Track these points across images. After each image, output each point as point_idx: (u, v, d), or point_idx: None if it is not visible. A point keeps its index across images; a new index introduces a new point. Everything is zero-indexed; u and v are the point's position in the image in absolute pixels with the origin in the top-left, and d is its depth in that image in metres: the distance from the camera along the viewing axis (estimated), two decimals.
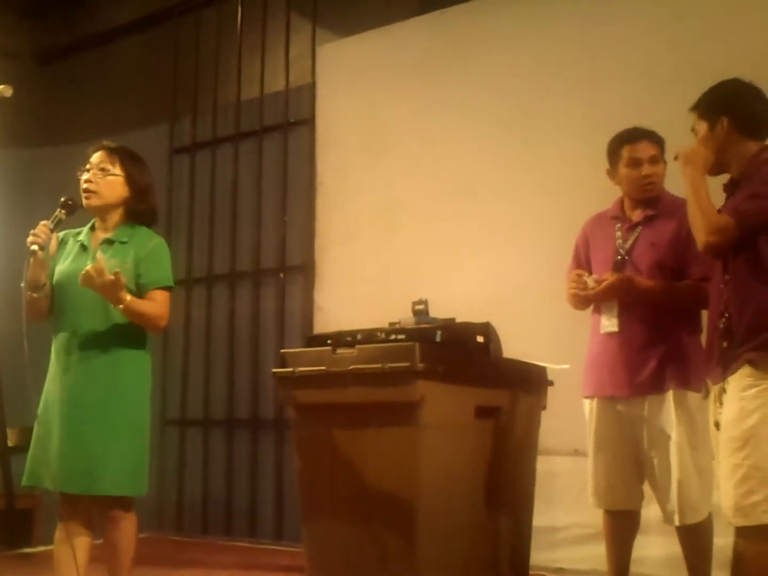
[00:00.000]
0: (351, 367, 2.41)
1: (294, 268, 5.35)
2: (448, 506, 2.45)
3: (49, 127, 6.48)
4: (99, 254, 2.63)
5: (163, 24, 6.20)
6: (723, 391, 2.44)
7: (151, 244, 2.81)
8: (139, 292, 2.74)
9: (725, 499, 2.34)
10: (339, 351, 2.48)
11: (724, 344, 2.45)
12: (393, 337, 2.47)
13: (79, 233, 2.87)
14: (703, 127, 2.57)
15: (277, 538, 5.04)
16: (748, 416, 2.31)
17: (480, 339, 2.67)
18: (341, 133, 5.17)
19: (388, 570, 2.37)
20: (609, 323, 2.98)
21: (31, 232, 2.63)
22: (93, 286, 2.58)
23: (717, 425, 2.46)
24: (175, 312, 6.08)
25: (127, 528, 2.73)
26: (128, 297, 2.62)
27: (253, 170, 5.59)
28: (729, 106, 2.55)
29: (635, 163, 3.03)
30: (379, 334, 2.50)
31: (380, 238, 4.88)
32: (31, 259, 2.63)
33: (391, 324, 2.63)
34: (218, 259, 5.68)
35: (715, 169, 2.57)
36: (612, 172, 3.10)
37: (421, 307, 2.66)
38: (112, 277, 2.55)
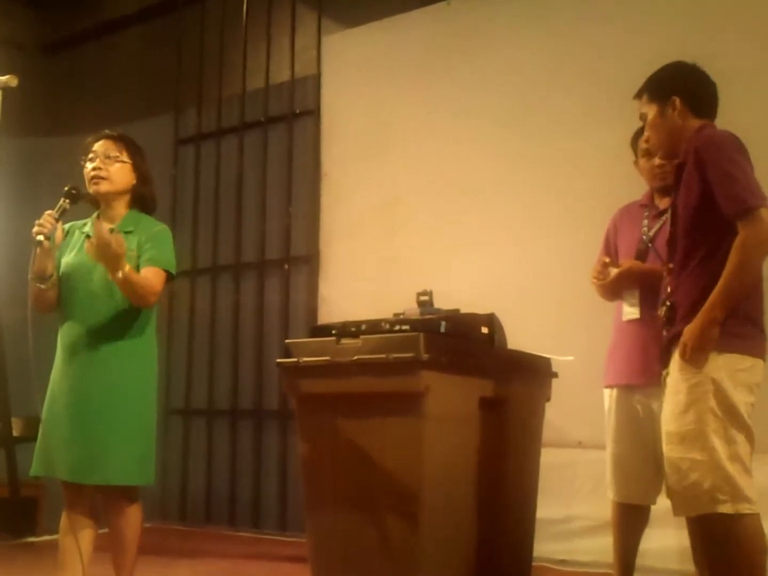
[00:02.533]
0: (355, 357, 2.41)
1: (298, 259, 5.35)
2: (451, 496, 2.45)
3: (53, 117, 6.48)
4: (104, 223, 2.59)
5: (168, 14, 6.20)
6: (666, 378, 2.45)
7: (154, 230, 2.81)
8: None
9: (670, 490, 2.35)
10: (343, 341, 2.48)
11: (664, 333, 2.45)
12: (397, 327, 2.46)
13: (84, 225, 2.87)
14: (652, 110, 2.51)
15: (281, 528, 5.06)
16: (683, 412, 2.31)
17: (484, 330, 2.67)
18: (346, 124, 5.16)
19: (390, 560, 2.37)
20: (631, 310, 2.95)
21: (36, 222, 2.62)
22: (99, 250, 2.53)
23: None
24: (180, 302, 6.12)
25: (133, 517, 2.74)
26: (128, 266, 2.59)
27: (257, 161, 5.59)
28: (680, 86, 2.50)
29: (650, 153, 3.01)
30: (383, 324, 2.50)
31: (385, 229, 4.87)
32: (37, 249, 2.63)
33: (395, 315, 2.63)
34: (223, 249, 5.69)
35: (669, 154, 2.54)
36: (636, 163, 3.09)
37: (425, 298, 2.66)
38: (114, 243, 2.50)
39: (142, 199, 2.87)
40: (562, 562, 3.95)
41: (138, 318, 2.74)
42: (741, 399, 2.30)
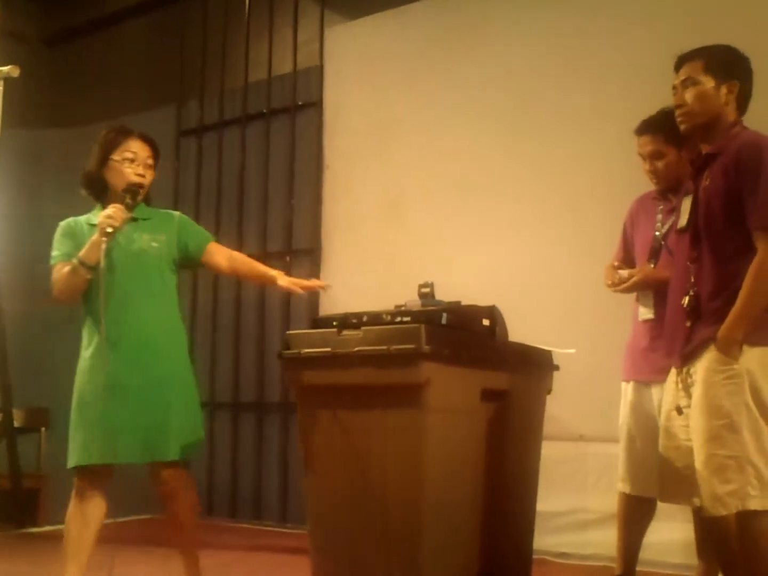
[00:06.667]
0: (356, 348, 2.40)
1: (300, 252, 5.35)
2: (453, 488, 2.45)
3: (56, 108, 6.48)
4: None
5: (171, 6, 6.19)
6: (688, 374, 2.43)
7: (176, 216, 2.98)
8: (195, 255, 2.96)
9: (702, 488, 2.33)
10: (344, 333, 2.47)
11: (688, 324, 2.42)
12: (399, 319, 2.45)
13: (88, 219, 2.88)
14: (708, 81, 2.44)
15: (282, 520, 5.07)
16: (719, 405, 2.30)
17: (486, 322, 2.66)
18: (349, 116, 5.15)
19: (391, 552, 2.37)
20: (645, 310, 3.00)
21: (106, 214, 2.67)
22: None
23: (678, 410, 2.44)
24: (182, 295, 6.11)
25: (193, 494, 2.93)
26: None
27: (260, 153, 5.58)
28: (742, 74, 2.47)
29: (641, 157, 3.02)
30: (384, 316, 2.48)
31: (387, 222, 4.87)
32: (99, 239, 2.67)
33: (396, 307, 2.62)
34: (225, 242, 5.59)
35: (697, 127, 2.48)
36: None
37: (426, 290, 2.65)
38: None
39: (147, 193, 2.97)
40: (563, 555, 3.95)
41: (174, 294, 2.91)
42: None
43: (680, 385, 2.46)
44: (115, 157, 2.82)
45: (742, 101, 2.48)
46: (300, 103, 5.47)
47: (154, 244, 2.83)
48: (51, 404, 5.10)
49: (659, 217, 3.01)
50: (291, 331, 2.65)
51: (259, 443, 5.33)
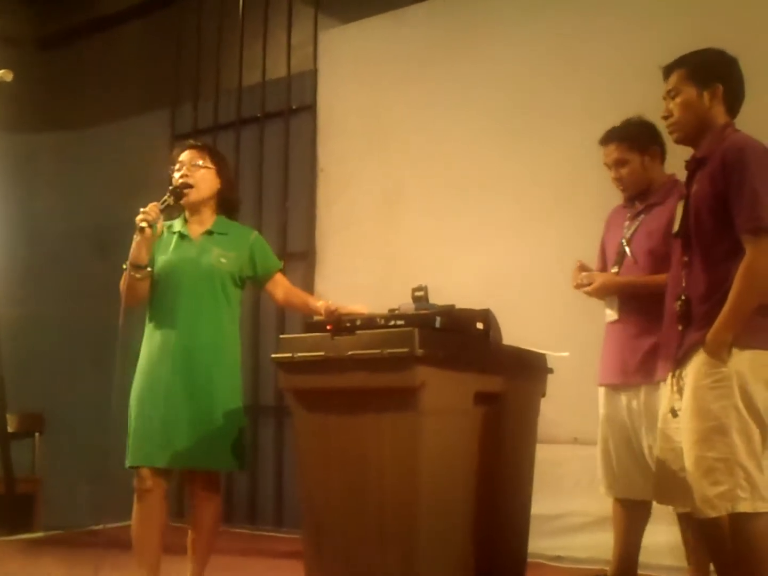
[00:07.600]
0: (350, 352, 2.40)
1: (295, 255, 5.34)
2: (447, 492, 2.45)
3: (50, 112, 6.47)
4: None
5: (165, 9, 6.19)
6: (680, 377, 2.43)
7: (252, 236, 3.03)
8: (261, 279, 3.02)
9: (692, 490, 2.33)
10: (338, 336, 2.47)
11: (680, 328, 2.43)
12: (392, 322, 2.45)
13: (170, 226, 2.96)
14: (689, 89, 2.46)
15: (277, 524, 5.06)
16: (707, 408, 2.30)
17: (480, 325, 2.66)
18: (343, 120, 5.15)
19: (386, 556, 2.37)
20: (610, 312, 3.03)
21: (141, 210, 2.70)
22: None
23: (673, 412, 2.45)
24: None
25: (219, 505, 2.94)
26: None
27: (254, 157, 5.58)
28: (725, 75, 2.46)
29: (607, 166, 3.08)
30: (378, 319, 2.49)
31: (382, 225, 4.87)
32: (138, 237, 2.71)
33: (390, 310, 2.62)
34: None
35: (688, 137, 2.50)
36: None
37: (420, 293, 2.65)
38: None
39: (227, 204, 3.02)
40: (558, 558, 3.95)
41: (235, 308, 3.00)
42: (761, 395, 2.30)
43: (674, 388, 2.47)
44: (170, 173, 2.94)
45: (731, 102, 2.48)
46: (294, 106, 5.47)
47: (223, 260, 2.89)
48: (45, 409, 5.12)
49: (626, 223, 3.06)
50: (285, 335, 2.65)
51: (254, 447, 5.32)
